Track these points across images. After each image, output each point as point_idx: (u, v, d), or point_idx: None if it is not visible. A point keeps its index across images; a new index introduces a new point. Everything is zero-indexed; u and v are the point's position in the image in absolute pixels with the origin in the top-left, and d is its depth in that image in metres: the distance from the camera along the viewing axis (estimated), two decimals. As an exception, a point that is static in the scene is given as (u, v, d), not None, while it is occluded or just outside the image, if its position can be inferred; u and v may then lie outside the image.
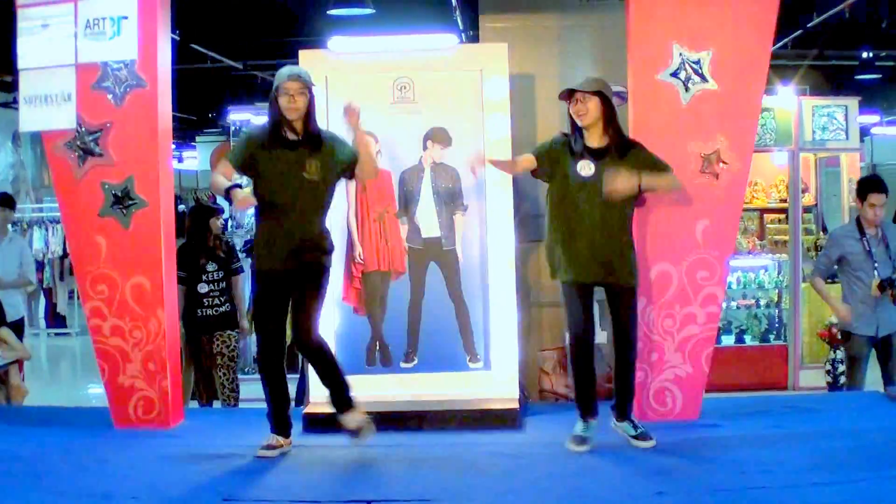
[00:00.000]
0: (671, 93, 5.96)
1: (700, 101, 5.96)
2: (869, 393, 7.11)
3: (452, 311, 6.52)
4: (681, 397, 6.09)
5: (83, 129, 6.15)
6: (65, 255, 14.12)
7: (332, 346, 6.45)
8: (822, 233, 11.41)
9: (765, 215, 11.73)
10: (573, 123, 5.55)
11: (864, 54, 14.40)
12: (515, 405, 6.23)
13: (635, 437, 5.54)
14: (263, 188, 5.50)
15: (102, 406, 6.49)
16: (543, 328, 7.65)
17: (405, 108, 6.53)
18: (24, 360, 7.99)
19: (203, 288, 7.60)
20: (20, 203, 15.18)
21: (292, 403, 6.14)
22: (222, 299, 7.67)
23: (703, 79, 5.97)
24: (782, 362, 10.31)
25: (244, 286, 7.86)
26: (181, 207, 13.71)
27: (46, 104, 6.19)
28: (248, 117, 11.83)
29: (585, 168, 5.46)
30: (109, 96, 6.14)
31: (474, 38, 10.20)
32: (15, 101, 11.67)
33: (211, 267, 7.63)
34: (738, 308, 10.69)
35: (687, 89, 5.96)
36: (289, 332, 5.70)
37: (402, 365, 6.55)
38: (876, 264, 7.04)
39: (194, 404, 7.78)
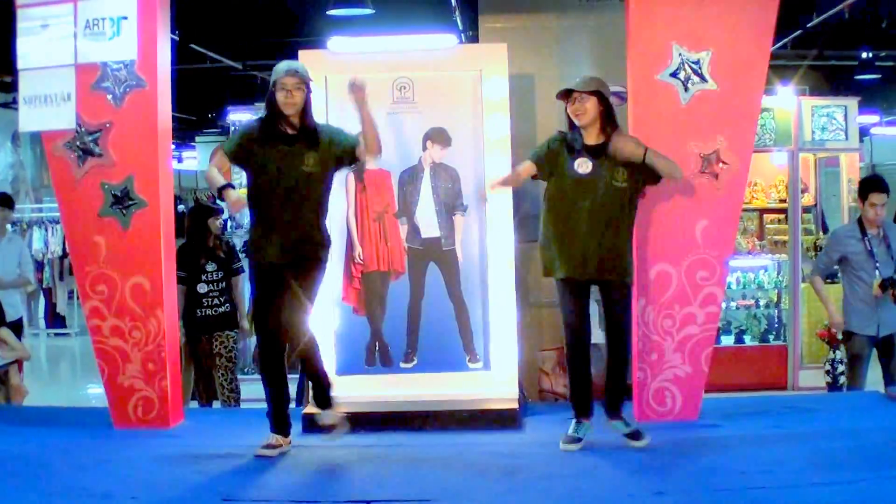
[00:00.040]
0: (671, 93, 5.96)
1: (699, 102, 5.96)
2: (869, 393, 7.11)
3: (452, 311, 6.52)
4: (680, 397, 6.09)
5: (83, 129, 6.15)
6: (64, 255, 14.12)
7: (332, 346, 6.48)
8: (822, 233, 11.40)
9: (764, 215, 11.73)
10: (571, 123, 5.55)
11: (864, 54, 14.40)
12: (515, 405, 6.23)
13: (628, 436, 5.54)
14: (259, 182, 5.50)
15: (102, 406, 6.49)
16: (543, 328, 7.65)
17: (405, 108, 6.53)
18: (23, 360, 7.99)
19: (202, 288, 7.60)
20: (20, 203, 15.20)
21: (292, 403, 6.15)
22: (222, 299, 7.66)
23: (703, 79, 5.97)
24: (782, 362, 10.31)
25: (244, 286, 7.85)
26: (181, 207, 13.71)
27: (46, 104, 6.19)
28: (248, 117, 11.83)
29: (583, 166, 5.47)
30: (109, 96, 6.14)
31: (474, 39, 10.20)
32: (15, 101, 11.69)
33: (210, 267, 7.63)
34: (737, 308, 10.70)
35: (686, 89, 5.97)
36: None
37: (402, 365, 6.55)
38: (877, 264, 7.05)
39: (195, 404, 7.78)
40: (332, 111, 6.35)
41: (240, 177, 6.98)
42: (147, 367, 6.17)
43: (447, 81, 6.55)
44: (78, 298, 11.74)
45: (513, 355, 6.47)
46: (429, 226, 6.54)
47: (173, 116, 6.53)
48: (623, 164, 5.44)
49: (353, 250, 6.54)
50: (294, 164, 5.41)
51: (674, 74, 5.99)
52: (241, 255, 8.21)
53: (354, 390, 6.44)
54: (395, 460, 5.46)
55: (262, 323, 5.57)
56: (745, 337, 10.51)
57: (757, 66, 6.02)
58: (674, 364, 6.06)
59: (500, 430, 6.01)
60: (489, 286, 6.48)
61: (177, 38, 11.10)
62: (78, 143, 6.15)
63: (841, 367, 9.04)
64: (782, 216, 11.23)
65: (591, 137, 5.53)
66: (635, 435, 5.53)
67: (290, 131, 5.47)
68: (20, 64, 6.26)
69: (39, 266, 14.64)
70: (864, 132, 16.18)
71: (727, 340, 10.40)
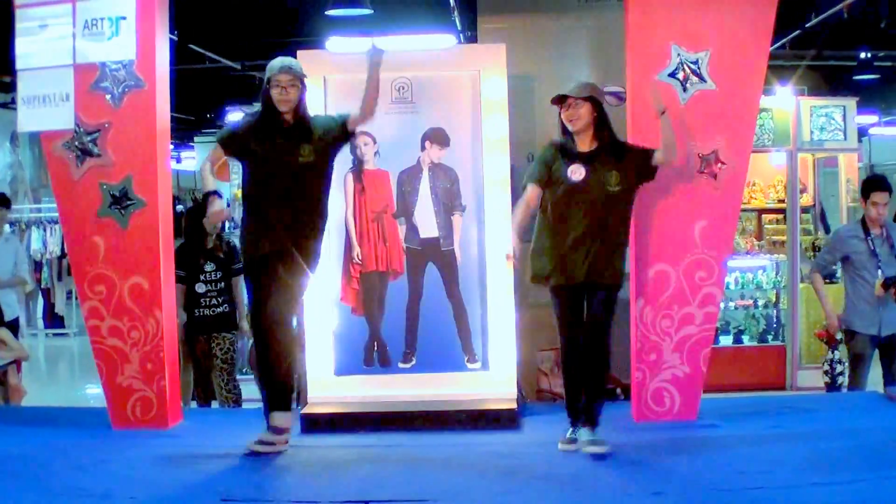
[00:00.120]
0: (669, 93, 5.96)
1: (698, 102, 5.96)
2: (868, 393, 7.11)
3: (450, 311, 6.53)
4: (679, 398, 6.09)
5: (81, 129, 6.15)
6: (63, 255, 14.12)
7: (330, 346, 6.48)
8: (823, 233, 11.40)
9: (763, 216, 11.75)
10: (564, 128, 5.55)
11: (863, 55, 14.39)
12: (513, 405, 6.23)
13: (588, 443, 5.38)
14: (254, 175, 5.53)
15: (101, 406, 6.49)
16: (541, 328, 7.62)
17: (403, 108, 6.54)
18: (22, 361, 7.99)
19: (200, 288, 7.59)
20: (19, 203, 15.21)
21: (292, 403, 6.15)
22: (220, 300, 7.65)
23: (702, 79, 5.98)
24: (780, 362, 10.32)
25: (244, 287, 7.84)
26: (179, 208, 13.70)
27: (45, 105, 6.19)
28: (247, 118, 11.85)
29: (576, 173, 5.46)
30: (108, 97, 6.14)
31: (472, 39, 10.19)
32: (13, 101, 11.66)
33: (209, 267, 7.61)
34: (736, 308, 10.70)
35: (685, 89, 5.97)
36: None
37: (401, 365, 6.55)
38: (880, 264, 7.06)
39: (194, 405, 7.78)
40: (331, 111, 6.35)
41: (238, 177, 6.98)
42: (146, 367, 6.17)
43: (446, 82, 6.56)
44: (76, 298, 11.77)
45: (511, 355, 6.47)
46: (427, 226, 6.55)
47: (172, 117, 6.53)
48: (616, 168, 5.44)
49: (351, 250, 6.54)
50: (289, 157, 5.42)
51: (672, 74, 5.99)
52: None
53: (353, 390, 6.46)
54: (393, 460, 5.46)
55: (259, 320, 5.55)
56: (743, 337, 10.52)
57: (756, 66, 6.03)
58: (672, 364, 6.06)
59: (498, 430, 6.02)
60: (488, 286, 6.48)
61: (175, 38, 11.09)
62: (76, 143, 6.15)
63: (840, 368, 9.04)
64: (781, 216, 11.24)
65: (585, 144, 5.53)
66: (596, 443, 5.38)
67: (284, 126, 5.48)
68: (19, 64, 6.27)
69: (38, 266, 14.66)
70: (862, 132, 16.16)
71: (726, 340, 10.41)
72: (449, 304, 6.52)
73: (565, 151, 5.54)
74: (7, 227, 9.39)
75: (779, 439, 5.64)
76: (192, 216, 7.91)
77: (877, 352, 7.27)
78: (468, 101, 6.51)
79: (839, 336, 8.96)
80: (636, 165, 5.51)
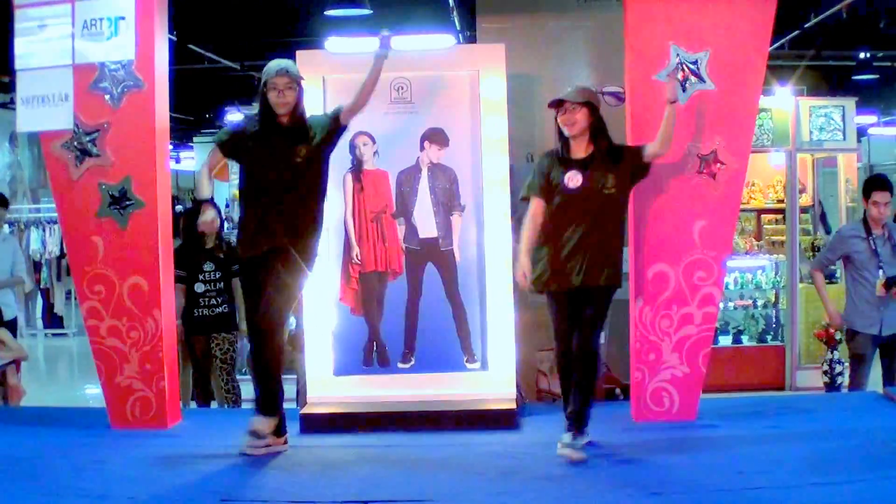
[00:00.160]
0: (669, 93, 5.96)
1: (697, 102, 5.96)
2: (867, 393, 7.12)
3: (450, 311, 6.52)
4: (678, 398, 6.09)
5: (80, 129, 6.15)
6: (62, 255, 14.12)
7: (329, 346, 6.48)
8: (823, 234, 11.39)
9: (762, 216, 11.75)
10: (560, 132, 5.54)
11: (862, 55, 14.40)
12: (513, 405, 6.23)
13: (566, 446, 5.31)
14: (252, 176, 5.54)
15: (100, 406, 6.49)
16: (540, 328, 7.59)
17: (402, 108, 6.53)
18: (21, 361, 7.98)
19: (199, 287, 7.60)
20: (18, 203, 15.22)
21: (293, 403, 6.14)
22: (219, 300, 7.66)
23: (701, 79, 5.97)
24: (780, 363, 10.33)
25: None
26: (178, 208, 13.70)
27: (44, 105, 6.19)
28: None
29: (573, 180, 5.45)
30: (107, 97, 6.14)
31: (471, 39, 10.20)
32: (12, 101, 11.67)
33: (208, 267, 7.61)
34: (735, 308, 10.71)
35: (684, 90, 5.96)
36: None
37: (400, 365, 6.55)
38: (881, 264, 7.08)
39: (194, 405, 7.78)
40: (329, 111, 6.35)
41: (237, 177, 6.97)
42: (145, 367, 6.17)
43: (445, 82, 6.55)
44: (75, 299, 11.78)
45: (510, 355, 6.47)
46: (426, 226, 6.54)
47: (171, 117, 6.53)
48: (612, 171, 5.43)
49: (350, 251, 6.54)
50: (285, 157, 5.43)
51: (671, 74, 5.98)
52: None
53: (352, 391, 6.45)
54: (392, 461, 5.46)
55: (256, 322, 5.55)
56: (742, 337, 10.53)
57: (755, 66, 6.02)
58: (671, 364, 6.06)
59: (497, 430, 6.01)
60: (487, 286, 6.47)
61: (174, 38, 11.09)
62: (75, 143, 6.15)
63: (839, 368, 9.06)
64: (780, 216, 11.25)
65: (580, 149, 5.52)
66: (572, 447, 5.32)
67: (282, 127, 5.49)
68: (18, 64, 6.27)
69: (37, 266, 14.66)
70: (861, 132, 16.16)
71: (725, 341, 10.42)
72: (448, 304, 6.52)
73: (561, 159, 5.53)
74: (6, 228, 9.38)
75: (778, 439, 5.64)
76: (189, 217, 7.91)
77: (877, 351, 7.28)
78: (467, 101, 6.51)
79: (838, 336, 8.98)
80: (631, 165, 5.52)
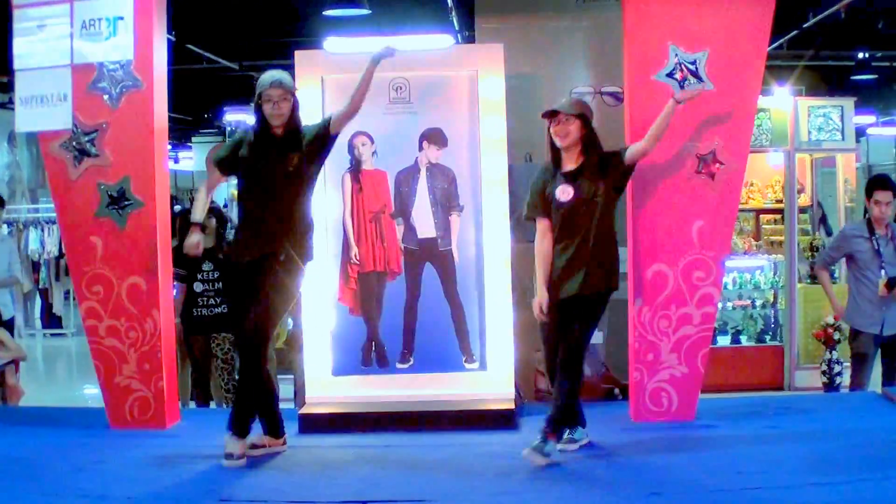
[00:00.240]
0: (667, 93, 5.94)
1: (696, 102, 5.94)
2: (866, 393, 7.12)
3: (448, 311, 6.52)
4: (677, 398, 6.09)
5: (79, 129, 6.15)
6: (61, 255, 14.11)
7: (329, 346, 6.48)
8: (823, 235, 11.39)
9: (761, 216, 11.73)
10: (552, 143, 5.53)
11: (860, 55, 14.42)
12: (511, 405, 6.23)
13: (531, 449, 5.22)
14: (247, 184, 5.55)
15: (98, 406, 6.49)
16: (539, 328, 7.64)
17: (401, 108, 6.53)
18: (20, 361, 7.98)
19: (198, 287, 7.59)
20: (16, 203, 15.22)
21: (290, 404, 6.13)
22: (217, 300, 7.65)
23: (699, 79, 5.97)
24: (778, 363, 10.33)
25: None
26: (177, 208, 13.70)
27: (42, 105, 6.19)
28: (244, 118, 11.82)
29: (565, 193, 5.44)
30: (105, 97, 6.14)
31: (470, 39, 10.19)
32: (11, 101, 11.67)
33: (207, 266, 7.60)
34: (734, 309, 10.70)
35: (683, 90, 5.96)
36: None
37: (398, 365, 6.54)
38: (883, 263, 7.10)
39: (193, 405, 7.78)
40: (328, 112, 6.35)
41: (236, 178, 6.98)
42: (143, 367, 6.17)
43: (443, 82, 6.55)
44: (74, 299, 11.77)
45: (509, 355, 6.47)
46: (425, 226, 6.54)
47: (170, 117, 6.53)
48: (601, 179, 5.41)
49: (349, 251, 6.54)
50: (279, 166, 5.42)
51: (670, 75, 5.99)
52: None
53: (351, 391, 6.45)
54: (391, 461, 5.47)
55: (241, 328, 5.53)
56: (741, 337, 10.52)
57: (753, 66, 6.02)
58: (670, 364, 6.06)
59: (496, 430, 6.01)
60: (485, 286, 6.47)
61: (173, 38, 11.10)
62: (74, 143, 6.15)
63: (837, 368, 9.08)
64: (779, 216, 11.24)
65: (571, 161, 5.51)
66: (538, 450, 5.22)
67: (276, 138, 5.49)
68: (16, 64, 6.27)
69: (36, 266, 14.66)
70: (860, 132, 16.20)
71: (723, 341, 10.41)
72: (447, 304, 6.52)
73: (552, 173, 5.53)
74: (4, 228, 9.38)
75: (777, 439, 5.64)
76: (186, 218, 7.90)
77: (879, 351, 7.30)
78: (466, 102, 6.51)
79: (837, 336, 9.00)
80: (620, 172, 5.47)
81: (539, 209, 5.55)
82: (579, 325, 5.41)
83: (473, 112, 6.48)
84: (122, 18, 6.10)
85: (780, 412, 6.43)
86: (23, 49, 6.24)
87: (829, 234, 11.35)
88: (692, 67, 5.97)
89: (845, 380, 7.89)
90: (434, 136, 6.51)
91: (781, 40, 13.27)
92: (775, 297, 10.72)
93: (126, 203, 6.14)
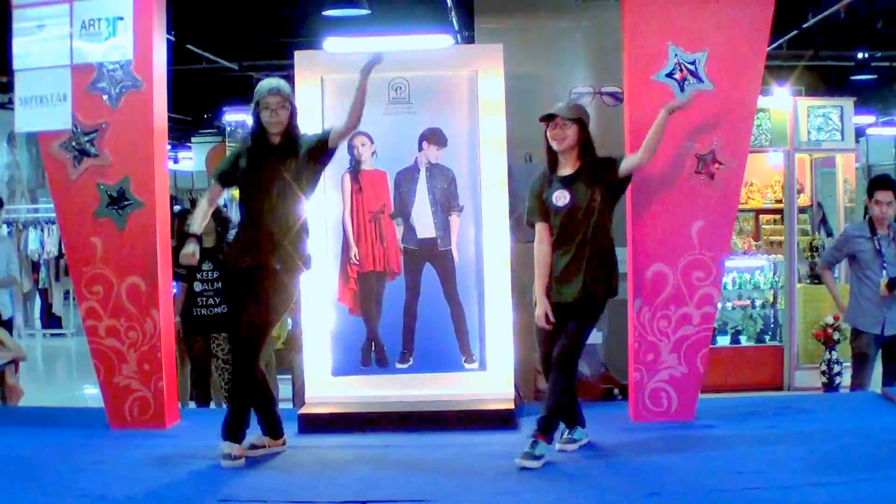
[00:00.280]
0: (667, 93, 5.96)
1: (696, 102, 5.95)
2: (866, 393, 7.12)
3: (448, 311, 6.52)
4: (676, 398, 6.09)
5: (79, 129, 6.15)
6: (60, 255, 14.12)
7: (328, 346, 6.48)
8: (824, 235, 11.40)
9: (760, 216, 11.73)
10: (548, 147, 5.53)
11: (860, 55, 14.41)
12: (511, 405, 6.23)
13: (523, 454, 5.20)
14: (246, 191, 5.55)
15: (98, 406, 6.49)
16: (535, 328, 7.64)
17: (400, 108, 6.53)
18: (19, 361, 7.98)
19: (198, 287, 7.59)
20: (16, 204, 15.22)
21: (289, 404, 6.13)
22: (217, 300, 7.64)
23: (699, 79, 5.97)
24: (778, 363, 10.33)
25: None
26: (177, 208, 13.69)
27: (42, 105, 6.19)
28: (244, 118, 11.81)
29: (561, 198, 5.44)
30: (105, 97, 6.14)
31: (469, 39, 10.19)
32: (11, 101, 11.67)
33: (206, 266, 7.60)
34: (733, 309, 10.71)
35: (682, 90, 5.96)
36: (275, 333, 5.65)
37: (398, 365, 6.55)
38: (885, 263, 7.11)
39: (192, 405, 7.78)
40: (328, 112, 6.36)
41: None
42: (143, 367, 6.17)
43: (443, 82, 6.55)
44: (74, 299, 11.77)
45: (508, 356, 6.47)
46: (425, 226, 6.54)
47: (169, 117, 6.53)
48: (597, 184, 5.41)
49: (348, 251, 6.54)
50: (277, 173, 5.41)
51: (670, 75, 5.99)
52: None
53: (350, 391, 6.45)
54: (391, 461, 5.47)
55: (237, 326, 5.53)
56: (741, 337, 10.52)
57: (753, 66, 6.02)
58: (670, 365, 6.06)
59: (495, 430, 6.01)
60: (485, 287, 6.47)
61: (173, 38, 11.10)
62: (74, 143, 6.15)
63: (837, 368, 9.08)
64: (778, 217, 11.24)
65: (567, 166, 5.51)
66: (527, 456, 5.20)
67: (274, 146, 5.48)
68: (16, 64, 6.27)
69: (35, 266, 14.66)
70: (859, 133, 16.20)
71: (723, 341, 10.41)
72: (446, 304, 6.52)
73: (549, 178, 5.53)
74: (3, 228, 9.38)
75: (776, 439, 5.64)
76: (183, 218, 7.90)
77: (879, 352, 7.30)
78: (465, 102, 6.51)
79: (836, 336, 9.00)
80: (615, 183, 5.47)
81: (537, 213, 5.55)
82: (576, 325, 5.41)
83: (473, 112, 6.48)
84: (121, 18, 6.10)
85: (780, 412, 6.43)
86: (22, 49, 6.24)
87: (829, 235, 11.36)
88: (692, 67, 5.97)
89: (845, 380, 7.89)
90: (434, 137, 6.51)
91: (781, 40, 13.27)
92: (775, 298, 10.73)
93: (126, 203, 6.14)
